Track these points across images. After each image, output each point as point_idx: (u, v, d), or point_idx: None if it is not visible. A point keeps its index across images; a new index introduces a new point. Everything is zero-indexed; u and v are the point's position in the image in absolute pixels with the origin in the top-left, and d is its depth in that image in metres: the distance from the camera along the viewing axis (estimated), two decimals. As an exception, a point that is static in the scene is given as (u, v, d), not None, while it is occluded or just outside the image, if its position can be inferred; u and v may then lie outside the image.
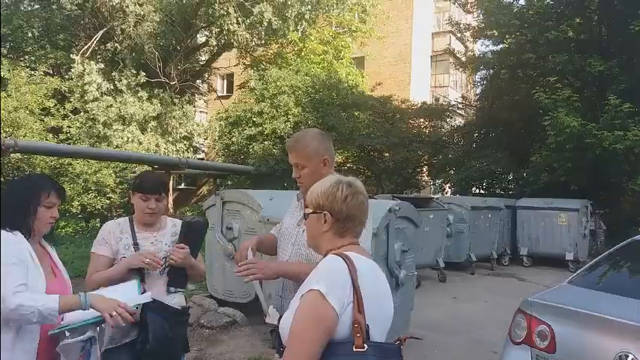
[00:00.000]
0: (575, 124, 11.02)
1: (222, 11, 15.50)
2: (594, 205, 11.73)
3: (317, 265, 1.56)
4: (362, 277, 1.49)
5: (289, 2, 15.62)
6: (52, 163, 13.21)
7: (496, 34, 15.74)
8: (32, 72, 15.40)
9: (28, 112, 13.07)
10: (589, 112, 12.12)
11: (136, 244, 2.51)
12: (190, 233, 2.55)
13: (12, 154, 9.04)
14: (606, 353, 2.76)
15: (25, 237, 2.04)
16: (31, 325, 1.96)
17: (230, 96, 23.49)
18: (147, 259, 2.38)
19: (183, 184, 24.05)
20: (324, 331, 1.41)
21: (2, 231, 1.98)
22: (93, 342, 2.21)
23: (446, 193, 17.62)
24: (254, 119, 14.83)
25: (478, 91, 19.81)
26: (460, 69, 21.01)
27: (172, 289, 2.53)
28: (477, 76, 19.35)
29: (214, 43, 17.09)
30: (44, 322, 1.93)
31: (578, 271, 3.95)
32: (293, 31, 16.65)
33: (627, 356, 2.64)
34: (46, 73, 16.05)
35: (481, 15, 16.85)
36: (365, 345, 1.42)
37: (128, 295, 2.25)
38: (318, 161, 2.31)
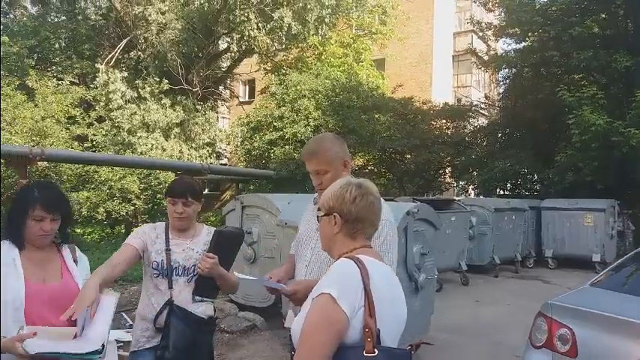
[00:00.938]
0: (601, 122, 10.77)
1: (242, 17, 15.65)
2: (622, 205, 11.45)
3: (329, 269, 1.56)
4: (374, 281, 1.48)
5: (309, 6, 15.68)
6: (78, 171, 13.48)
7: (518, 32, 15.51)
8: (59, 82, 15.79)
9: (54, 121, 13.39)
10: (616, 110, 11.84)
11: (168, 250, 2.53)
12: (222, 243, 2.51)
13: (39, 162, 9.21)
14: (630, 358, 2.69)
15: (15, 246, 2.09)
16: None
17: (252, 101, 23.69)
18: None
19: (206, 190, 24.31)
20: (334, 334, 1.40)
21: None
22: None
23: (469, 195, 17.39)
24: (275, 124, 14.90)
25: (501, 90, 19.53)
26: (482, 68, 20.77)
27: (198, 297, 2.51)
28: (499, 75, 19.09)
29: (235, 49, 17.26)
30: None
31: (601, 273, 3.85)
32: (313, 35, 16.71)
33: (651, 361, 2.57)
34: (72, 83, 16.45)
35: (503, 13, 16.65)
36: (375, 350, 1.42)
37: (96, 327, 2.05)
38: (339, 164, 2.31)
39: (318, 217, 1.75)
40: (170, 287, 2.48)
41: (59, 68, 17.86)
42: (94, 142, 15.03)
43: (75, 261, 2.29)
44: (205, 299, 2.56)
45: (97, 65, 16.09)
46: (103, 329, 2.03)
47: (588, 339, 2.98)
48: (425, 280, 5.02)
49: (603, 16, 13.16)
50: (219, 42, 19.41)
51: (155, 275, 2.51)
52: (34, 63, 17.59)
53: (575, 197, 11.36)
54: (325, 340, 1.39)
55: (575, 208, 10.87)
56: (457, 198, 12.10)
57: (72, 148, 13.59)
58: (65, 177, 13.16)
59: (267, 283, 2.29)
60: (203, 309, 2.54)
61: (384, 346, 1.46)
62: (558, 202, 11.40)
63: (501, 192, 15.90)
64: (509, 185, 15.83)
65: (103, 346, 1.95)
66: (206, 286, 2.50)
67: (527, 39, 15.09)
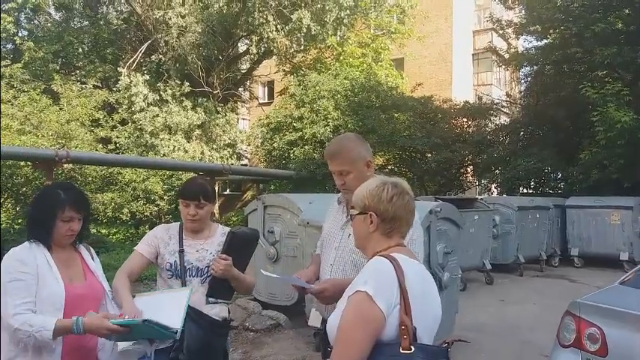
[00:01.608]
0: (627, 119, 10.56)
1: (261, 19, 15.76)
2: (649, 203, 11.19)
3: (364, 267, 1.57)
4: (409, 278, 1.50)
5: (327, 7, 15.72)
6: (102, 173, 13.73)
7: (539, 29, 15.28)
8: (82, 85, 16.09)
9: (79, 124, 13.66)
10: (642, 106, 11.59)
11: (181, 252, 2.53)
12: (235, 244, 2.49)
13: (65, 165, 9.40)
14: (661, 357, 2.64)
15: (45, 247, 2.13)
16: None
17: (271, 102, 23.80)
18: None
19: (228, 190, 24.50)
20: (371, 332, 1.42)
21: (14, 246, 2.12)
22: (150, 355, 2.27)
23: (492, 194, 17.21)
24: (294, 124, 14.96)
25: (522, 88, 19.31)
26: (503, 66, 20.53)
27: (212, 299, 2.50)
28: (520, 73, 18.88)
29: (255, 51, 17.40)
30: (41, 345, 1.95)
31: (630, 272, 3.79)
32: (332, 35, 16.73)
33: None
34: (95, 86, 16.75)
35: (523, 10, 16.41)
36: (412, 347, 1.43)
37: (170, 314, 2.20)
38: (362, 164, 2.31)
39: (351, 215, 1.75)
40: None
41: (82, 72, 18.20)
42: (118, 145, 15.29)
43: (93, 259, 2.33)
44: (219, 301, 2.54)
45: (120, 69, 16.37)
46: (178, 317, 2.17)
47: (618, 338, 2.93)
48: (449, 279, 5.00)
49: (627, 11, 12.87)
50: (239, 44, 19.58)
51: (169, 277, 2.51)
52: (58, 67, 17.97)
53: (600, 195, 11.17)
54: (362, 338, 1.41)
55: (601, 205, 10.68)
56: (480, 197, 11.98)
57: (96, 150, 13.85)
58: (90, 179, 13.41)
59: (295, 281, 2.31)
60: (217, 311, 2.52)
61: (421, 343, 1.47)
62: (584, 199, 11.22)
63: (524, 190, 15.70)
64: (532, 183, 15.62)
65: (177, 331, 2.09)
66: (220, 287, 2.48)
67: (548, 36, 14.87)
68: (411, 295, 1.47)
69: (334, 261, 2.30)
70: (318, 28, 15.84)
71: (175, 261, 2.51)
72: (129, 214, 13.58)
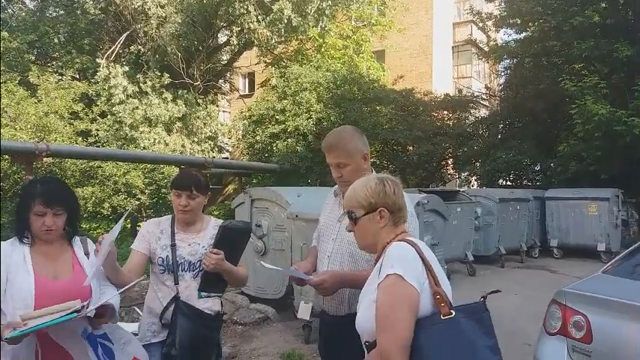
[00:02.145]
0: (604, 112, 10.79)
1: (242, 10, 15.61)
2: (625, 194, 11.47)
3: (385, 255, 1.61)
4: (427, 256, 1.59)
5: (308, -2, 15.66)
6: (83, 166, 13.50)
7: (519, 22, 15.50)
8: (60, 77, 15.76)
9: (58, 116, 13.38)
10: (618, 99, 11.86)
11: (173, 246, 2.51)
12: (227, 237, 2.45)
13: (44, 158, 9.23)
14: (645, 343, 2.74)
15: (24, 241, 2.12)
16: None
17: (252, 94, 23.66)
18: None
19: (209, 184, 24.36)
20: (410, 309, 1.47)
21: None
22: (105, 337, 2.20)
23: (472, 186, 17.44)
24: (277, 117, 14.91)
25: (502, 81, 19.54)
26: (483, 59, 20.75)
27: (204, 293, 2.50)
28: (500, 66, 19.09)
29: (235, 42, 17.21)
30: None
31: (612, 261, 3.89)
32: (313, 27, 16.67)
33: (667, 346, 2.61)
34: (73, 78, 16.40)
35: (503, 3, 16.62)
36: (452, 311, 1.51)
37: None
38: (359, 157, 2.34)
39: (355, 219, 1.77)
40: (176, 283, 2.47)
41: (59, 63, 17.79)
42: (98, 138, 15.05)
43: (87, 254, 2.27)
44: (212, 295, 2.54)
45: (98, 60, 16.06)
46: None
47: (603, 325, 3.02)
48: (435, 271, 5.07)
49: (603, 5, 13.13)
50: (219, 35, 19.36)
51: (161, 271, 2.50)
52: (33, 58, 17.54)
53: (578, 187, 11.40)
54: (404, 317, 1.46)
55: (579, 197, 10.91)
56: (461, 189, 12.13)
57: (76, 143, 13.60)
58: (70, 172, 13.18)
59: (293, 272, 2.32)
60: (210, 305, 2.52)
61: (457, 306, 1.55)
62: (562, 191, 11.44)
63: (504, 183, 15.95)
64: (511, 176, 15.87)
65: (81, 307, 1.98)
66: (212, 281, 2.46)
67: (527, 29, 15.07)
68: (433, 269, 1.56)
69: (332, 252, 2.32)
70: (300, 19, 15.76)
71: (167, 255, 2.50)
72: (110, 209, 13.39)
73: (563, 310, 3.27)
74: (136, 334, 2.56)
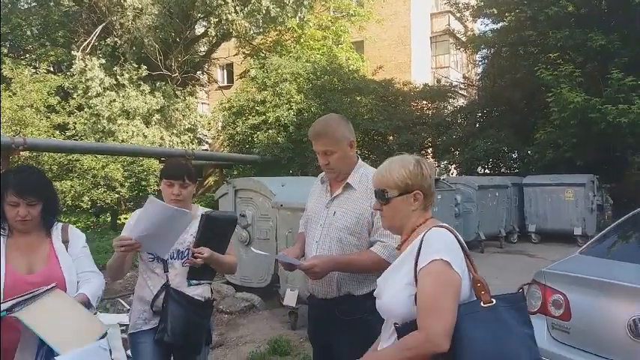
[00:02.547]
0: (579, 100, 11.03)
1: (219, 0, 15.45)
2: (600, 180, 11.77)
3: (425, 239, 1.60)
4: (461, 244, 1.62)
5: (287, -12, 15.58)
6: (60, 160, 13.30)
7: (495, 12, 15.68)
8: (34, 70, 15.44)
9: (34, 110, 13.14)
10: (592, 87, 12.12)
11: None
12: (210, 226, 2.46)
13: (21, 152, 9.08)
14: (620, 318, 2.85)
15: (2, 234, 2.12)
16: None
17: (231, 86, 23.50)
18: (120, 246, 2.33)
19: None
20: (456, 295, 1.51)
21: None
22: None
23: (452, 174, 17.67)
24: (257, 108, 14.84)
25: (479, 70, 19.76)
26: (460, 49, 20.93)
27: (194, 281, 2.52)
28: (477, 56, 19.29)
29: (213, 33, 17.05)
30: None
31: (589, 242, 4.03)
32: (292, 17, 16.60)
33: (641, 319, 2.74)
34: (47, 71, 16.09)
35: (480, -7, 16.75)
36: (492, 299, 1.53)
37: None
38: (346, 145, 2.37)
39: (387, 198, 1.74)
40: (166, 271, 2.49)
41: (33, 56, 17.44)
42: (75, 131, 14.81)
43: (66, 241, 2.25)
44: (202, 282, 2.57)
45: (73, 52, 15.76)
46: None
47: (581, 303, 3.14)
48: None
49: (578, -5, 13.36)
50: (197, 26, 19.15)
51: (150, 260, 2.52)
52: (6, 51, 17.15)
53: (554, 173, 11.66)
54: (451, 303, 1.49)
55: (555, 183, 11.16)
56: (441, 177, 12.29)
57: (53, 136, 13.38)
58: (47, 166, 12.97)
59: (283, 258, 2.36)
60: (200, 291, 2.55)
61: (496, 295, 1.57)
62: (539, 178, 11.69)
63: (482, 171, 16.17)
64: (490, 164, 16.10)
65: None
66: (200, 270, 2.48)
67: (504, 19, 15.23)
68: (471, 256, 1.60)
69: (320, 238, 2.36)
70: (278, 9, 15.67)
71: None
72: (89, 202, 13.23)
73: (543, 289, 3.39)
74: (123, 326, 2.57)
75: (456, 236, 1.60)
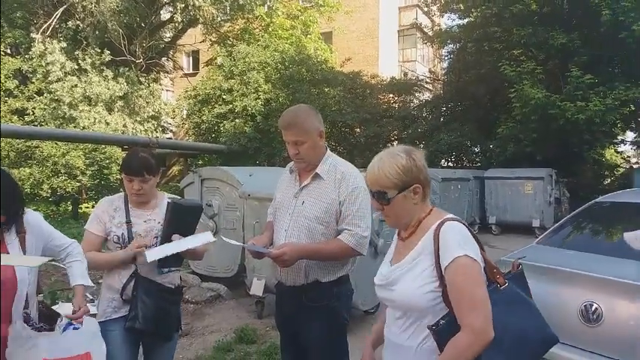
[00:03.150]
0: (540, 96, 11.36)
1: (187, -14, 15.22)
2: (558, 174, 12.17)
3: (443, 234, 1.60)
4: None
5: (256, -24, 15.43)
6: (19, 146, 12.85)
7: (462, 7, 15.94)
8: (-10, 52, 14.86)
9: (-11, 93, 12.67)
10: (553, 84, 12.51)
11: (128, 222, 2.49)
12: (176, 214, 2.46)
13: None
14: (574, 303, 2.98)
15: None
16: None
17: (196, 73, 23.17)
18: (138, 247, 2.41)
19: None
20: (484, 285, 1.56)
21: None
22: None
23: (416, 167, 17.92)
24: (224, 97, 14.68)
25: (445, 65, 20.06)
26: (427, 43, 21.19)
27: (165, 269, 2.52)
28: (443, 51, 19.56)
29: (179, 19, 16.78)
30: None
31: (546, 232, 4.19)
32: (260, 5, 16.46)
33: (592, 305, 2.87)
34: (5, 53, 15.48)
35: (447, -12, 16.96)
36: (506, 281, 1.64)
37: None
38: (315, 135, 2.38)
39: (388, 199, 1.68)
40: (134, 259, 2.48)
41: (-12, 37, 16.74)
42: (34, 117, 14.33)
43: (20, 232, 2.10)
44: (172, 269, 2.57)
45: (32, 35, 15.23)
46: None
47: (537, 290, 3.25)
48: (384, 245, 5.25)
49: (541, -7, 13.71)
50: (162, 12, 18.78)
51: (117, 248, 2.49)
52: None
53: (515, 168, 11.99)
54: (484, 293, 1.53)
55: (515, 177, 11.49)
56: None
57: (11, 122, 12.93)
58: (4, 153, 12.51)
59: (252, 247, 2.37)
60: (170, 279, 2.56)
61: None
62: (500, 171, 12.01)
63: (446, 164, 16.48)
64: (453, 157, 16.42)
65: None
66: (170, 257, 2.47)
67: (470, 15, 15.52)
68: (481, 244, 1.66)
69: (288, 227, 2.38)
70: (246, -3, 15.56)
71: (123, 233, 2.48)
72: (49, 190, 12.84)
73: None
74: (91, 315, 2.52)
75: (467, 227, 1.64)
